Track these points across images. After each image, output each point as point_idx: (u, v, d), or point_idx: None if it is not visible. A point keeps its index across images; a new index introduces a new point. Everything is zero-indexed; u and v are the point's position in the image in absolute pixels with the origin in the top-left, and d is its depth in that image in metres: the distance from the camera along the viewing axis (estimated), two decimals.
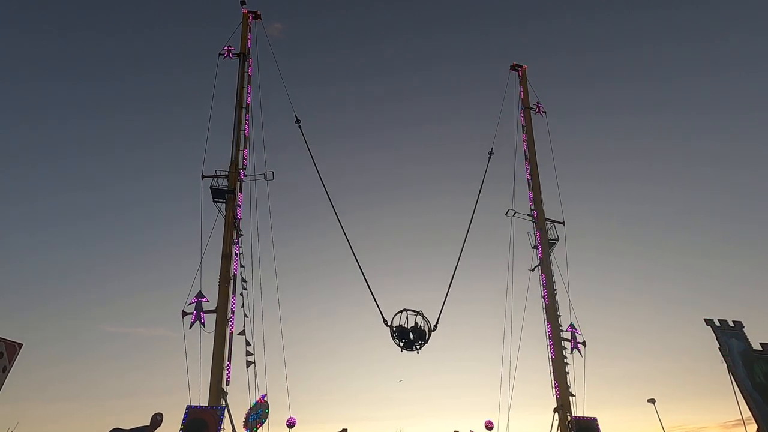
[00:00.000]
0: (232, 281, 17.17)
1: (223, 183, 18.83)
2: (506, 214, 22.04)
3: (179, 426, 13.09)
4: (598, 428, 16.30)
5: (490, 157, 23.19)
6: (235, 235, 18.08)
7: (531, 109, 24.61)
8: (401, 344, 17.11)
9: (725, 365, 17.37)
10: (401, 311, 17.50)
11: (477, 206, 21.41)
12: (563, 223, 21.82)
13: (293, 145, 22.05)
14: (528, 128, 24.00)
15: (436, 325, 17.66)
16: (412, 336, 17.15)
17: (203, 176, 18.77)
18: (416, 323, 17.42)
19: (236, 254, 17.78)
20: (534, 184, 22.49)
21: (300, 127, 21.56)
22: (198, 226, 17.99)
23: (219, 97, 21.69)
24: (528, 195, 22.50)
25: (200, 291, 16.57)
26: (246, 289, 17.45)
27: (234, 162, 19.60)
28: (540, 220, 21.47)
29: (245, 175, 19.54)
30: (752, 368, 17.43)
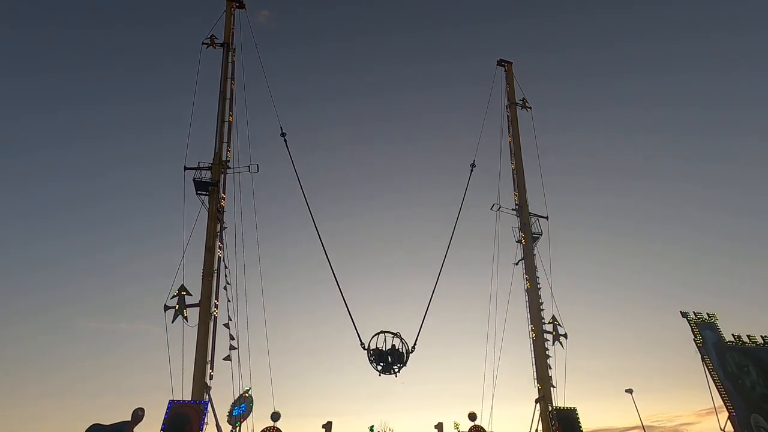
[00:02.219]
0: (215, 275, 16.95)
1: (206, 175, 18.51)
2: (491, 209, 22.27)
3: (161, 421, 12.92)
4: (578, 417, 16.69)
5: (472, 170, 23.17)
6: (218, 228, 17.83)
7: (517, 104, 24.79)
8: (379, 368, 16.83)
9: (699, 356, 18.01)
10: (378, 333, 17.21)
11: (462, 209, 21.59)
12: (547, 217, 22.15)
13: (278, 138, 21.72)
14: (513, 124, 24.19)
15: (413, 347, 17.43)
16: (390, 359, 16.89)
17: (186, 168, 18.39)
18: (393, 345, 17.14)
19: (220, 248, 17.54)
20: (519, 179, 22.73)
21: (285, 140, 21.05)
22: (180, 218, 17.69)
23: (202, 88, 21.24)
24: (513, 190, 22.77)
25: (183, 285, 16.32)
26: (229, 283, 17.26)
27: (217, 154, 19.26)
28: (524, 215, 21.74)
29: (229, 168, 19.25)
30: (724, 358, 18.10)
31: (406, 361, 16.97)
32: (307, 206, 19.80)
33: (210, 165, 18.81)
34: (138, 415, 10.68)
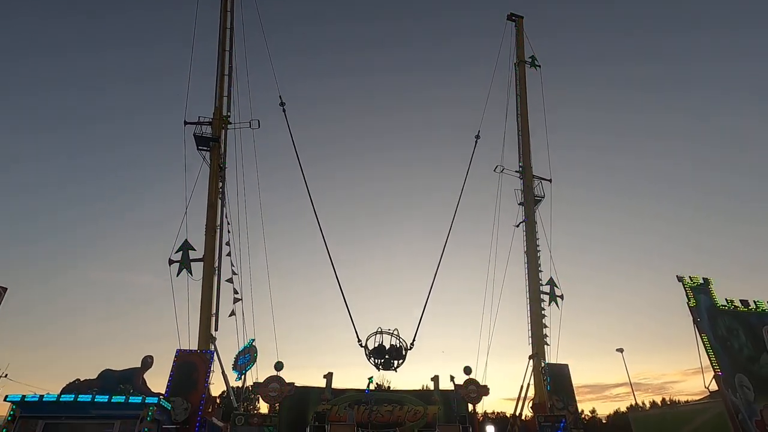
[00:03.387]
0: (218, 230, 17.10)
1: (207, 130, 18.24)
2: (494, 170, 22.08)
3: (169, 368, 13.48)
4: (569, 374, 17.35)
5: (476, 142, 22.77)
6: (220, 185, 17.79)
7: (525, 62, 23.95)
8: (379, 363, 17.09)
9: (691, 319, 18.41)
10: (376, 332, 17.40)
11: (467, 176, 21.47)
12: (550, 180, 22.00)
13: (279, 92, 21.19)
14: (521, 82, 23.48)
15: (412, 344, 17.66)
16: (388, 356, 17.11)
17: (186, 123, 18.11)
18: (391, 343, 17.36)
19: (221, 203, 17.58)
20: (524, 140, 22.37)
21: (284, 110, 20.58)
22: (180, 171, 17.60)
23: (202, 40, 20.54)
24: (517, 151, 22.48)
25: (186, 240, 16.50)
26: (230, 232, 17.40)
27: (218, 108, 18.90)
28: (527, 177, 21.58)
29: (230, 123, 18.94)
30: (716, 322, 18.52)
31: (405, 357, 17.27)
32: (303, 179, 19.68)
33: (210, 120, 18.52)
34: (147, 361, 11.12)
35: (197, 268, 16.27)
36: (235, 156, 19.20)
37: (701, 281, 19.53)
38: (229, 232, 17.36)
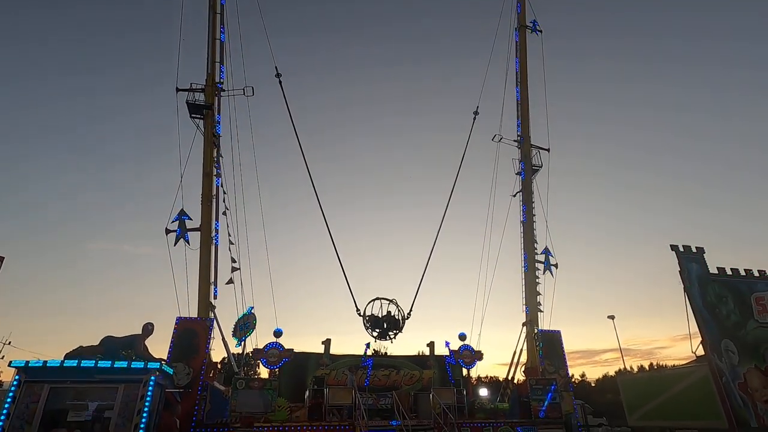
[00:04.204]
0: (214, 200, 17.03)
1: (200, 98, 17.84)
2: (492, 139, 21.89)
3: (170, 336, 13.73)
4: (561, 340, 17.83)
5: (475, 118, 22.44)
6: (215, 154, 17.57)
7: (527, 27, 23.27)
8: (375, 334, 17.13)
9: (682, 287, 18.78)
10: (374, 300, 17.44)
11: (464, 156, 21.30)
12: (548, 150, 21.86)
13: (273, 60, 20.62)
14: (522, 48, 22.90)
15: (409, 314, 17.76)
16: (385, 326, 17.15)
17: (178, 90, 17.68)
18: (389, 312, 17.39)
19: (217, 173, 17.42)
20: (523, 109, 22.06)
21: (280, 81, 20.09)
22: (178, 140, 17.34)
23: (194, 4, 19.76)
24: (516, 120, 22.20)
25: (182, 209, 16.43)
26: (228, 209, 17.37)
27: (210, 75, 18.41)
28: (525, 147, 21.43)
29: (223, 90, 18.50)
30: (706, 289, 18.91)
31: (402, 327, 17.39)
32: (300, 148, 19.44)
33: (203, 87, 18.08)
34: (148, 329, 11.29)
35: (194, 237, 16.30)
36: (229, 124, 18.90)
37: (694, 250, 19.81)
38: (225, 201, 17.31)
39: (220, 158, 17.68)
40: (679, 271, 19.19)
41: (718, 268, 19.70)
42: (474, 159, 23.48)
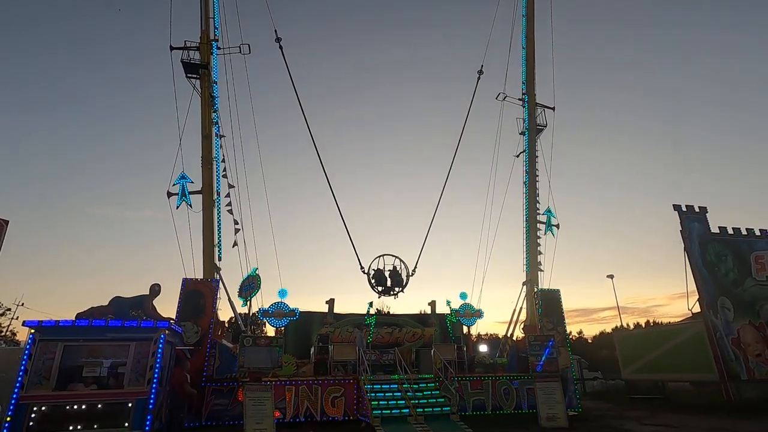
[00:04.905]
0: (214, 162, 16.90)
1: (195, 56, 17.29)
2: (497, 98, 21.36)
3: (177, 296, 14.06)
4: (560, 298, 18.15)
5: (479, 77, 21.70)
6: (213, 116, 17.25)
7: None
8: (379, 290, 17.27)
9: (682, 246, 18.92)
10: (380, 256, 17.51)
11: (467, 117, 20.74)
12: (553, 108, 21.34)
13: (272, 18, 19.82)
14: (529, 2, 21.87)
15: (414, 271, 17.87)
16: (389, 282, 17.28)
17: (172, 48, 17.11)
18: (394, 267, 17.51)
19: (217, 135, 17.19)
20: (528, 65, 21.35)
21: (281, 47, 19.31)
22: (179, 104, 17.00)
23: None
24: (521, 78, 21.57)
25: (183, 172, 16.34)
26: (225, 159, 17.26)
27: (204, 31, 17.77)
28: (530, 104, 20.93)
29: (218, 48, 17.91)
30: (706, 248, 19.06)
31: (406, 283, 17.57)
32: (300, 107, 18.99)
33: (197, 45, 17.49)
34: (155, 289, 11.51)
35: (196, 200, 16.32)
36: (226, 84, 18.45)
37: (697, 210, 19.77)
38: (224, 160, 17.19)
39: (219, 120, 17.37)
40: (681, 231, 19.25)
41: (719, 227, 19.74)
42: (478, 121, 23.06)
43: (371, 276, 17.49)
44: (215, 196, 16.60)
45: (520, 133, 21.17)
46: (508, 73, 21.64)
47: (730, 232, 19.80)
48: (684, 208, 19.54)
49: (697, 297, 18.21)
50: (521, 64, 21.55)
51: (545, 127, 20.95)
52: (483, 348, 17.15)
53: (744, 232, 19.89)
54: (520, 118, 21.33)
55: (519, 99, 21.32)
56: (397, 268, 17.64)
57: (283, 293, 15.67)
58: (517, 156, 20.92)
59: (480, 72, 21.93)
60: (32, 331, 9.26)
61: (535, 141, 20.57)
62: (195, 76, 17.23)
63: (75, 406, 8.69)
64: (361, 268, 17.77)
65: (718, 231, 19.61)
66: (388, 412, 11.74)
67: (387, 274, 17.48)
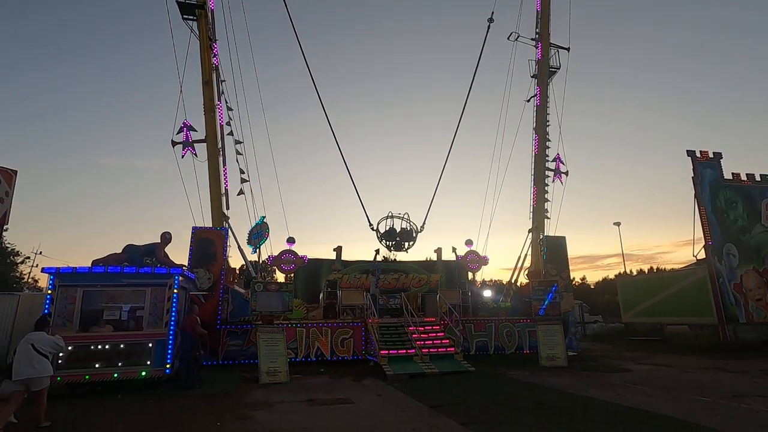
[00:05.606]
0: (217, 109, 16.55)
1: None
2: (508, 38, 20.29)
3: (188, 244, 14.37)
4: (565, 245, 18.29)
5: (489, 26, 20.71)
6: (213, 61, 16.65)
7: None
8: (390, 245, 17.87)
9: (693, 193, 18.66)
10: (387, 217, 17.90)
11: (479, 62, 19.74)
12: (568, 49, 20.28)
13: None
14: None
15: (422, 227, 18.36)
16: (399, 238, 17.84)
17: None
18: (402, 228, 17.99)
19: (218, 81, 16.70)
20: (543, 1, 20.04)
21: (285, 1, 18.44)
22: (178, 49, 16.36)
23: None
24: (534, 18, 20.32)
25: (185, 121, 16.07)
26: (232, 120, 16.97)
27: None
28: (544, 45, 19.88)
29: None
30: (717, 195, 18.80)
31: (415, 238, 18.13)
32: (302, 54, 18.09)
33: None
34: (166, 237, 11.74)
35: (201, 149, 16.19)
36: (224, 25, 17.64)
37: (711, 156, 19.29)
38: (227, 104, 16.86)
39: (220, 66, 16.79)
40: (692, 177, 18.92)
41: (732, 173, 19.35)
42: (489, 72, 22.10)
43: (381, 234, 18.07)
44: (219, 144, 16.42)
45: (531, 76, 20.31)
46: (521, 15, 20.41)
47: (744, 178, 19.42)
48: (698, 154, 19.07)
49: (703, 243, 18.24)
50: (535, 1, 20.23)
51: (558, 68, 20.03)
52: (487, 293, 17.59)
53: (758, 179, 19.51)
54: (533, 59, 20.37)
55: (532, 39, 20.23)
56: (407, 228, 18.16)
57: (291, 240, 15.96)
58: (528, 101, 20.21)
59: (490, 20, 20.78)
60: (51, 276, 9.60)
61: (547, 84, 19.76)
62: (192, 17, 16.44)
63: (99, 347, 9.19)
64: (370, 224, 18.25)
65: (731, 177, 19.25)
66: (395, 351, 12.32)
67: (396, 231, 18.04)
